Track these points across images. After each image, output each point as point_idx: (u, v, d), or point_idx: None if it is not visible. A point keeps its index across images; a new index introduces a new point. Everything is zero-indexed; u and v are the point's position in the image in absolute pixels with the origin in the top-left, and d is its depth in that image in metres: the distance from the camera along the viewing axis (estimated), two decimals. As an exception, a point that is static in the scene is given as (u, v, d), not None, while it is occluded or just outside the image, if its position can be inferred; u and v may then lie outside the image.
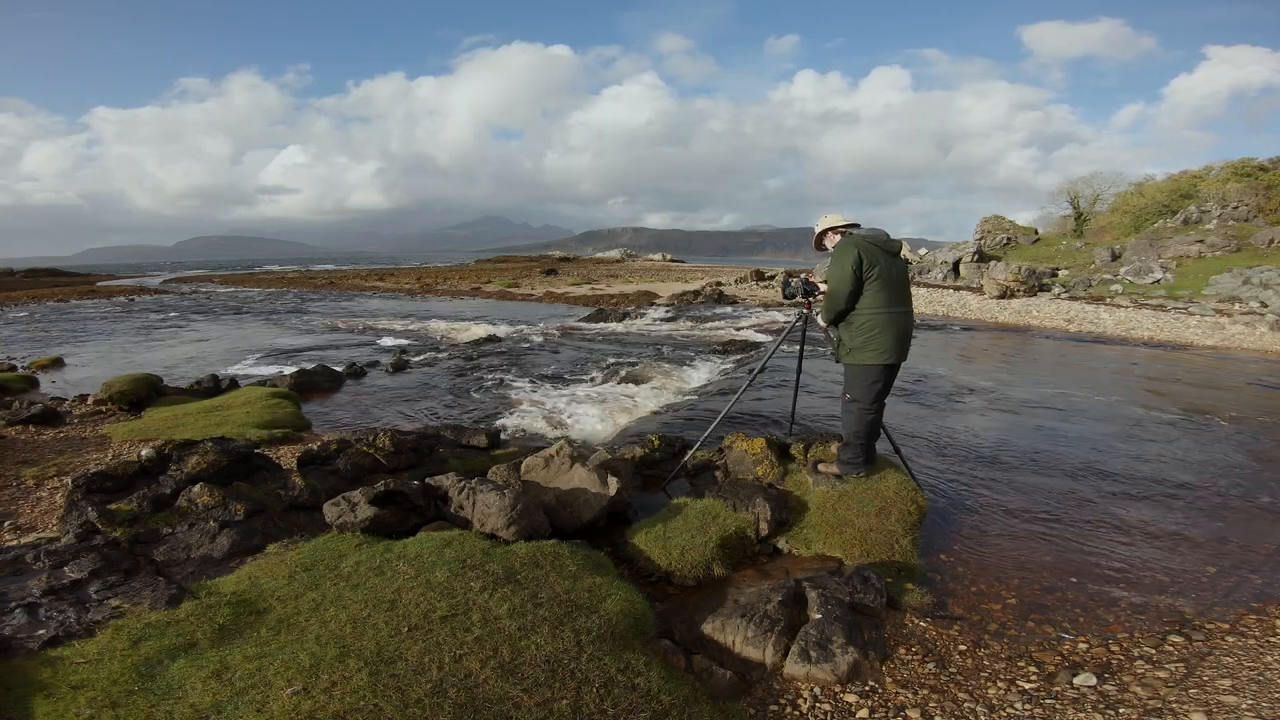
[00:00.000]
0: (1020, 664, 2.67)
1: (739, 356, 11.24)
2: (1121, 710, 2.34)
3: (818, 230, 4.14)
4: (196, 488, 3.58)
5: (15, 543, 3.31)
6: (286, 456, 4.96)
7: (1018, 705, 2.38)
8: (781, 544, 3.67)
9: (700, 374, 9.75)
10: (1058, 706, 2.37)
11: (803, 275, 4.76)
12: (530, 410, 7.26)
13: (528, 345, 12.50)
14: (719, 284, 28.98)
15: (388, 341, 13.44)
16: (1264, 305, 16.11)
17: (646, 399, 7.92)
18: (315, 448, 4.51)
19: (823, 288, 4.08)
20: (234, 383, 7.99)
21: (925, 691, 2.47)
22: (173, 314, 19.86)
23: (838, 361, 4.00)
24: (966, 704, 2.39)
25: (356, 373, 9.39)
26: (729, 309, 20.66)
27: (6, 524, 3.72)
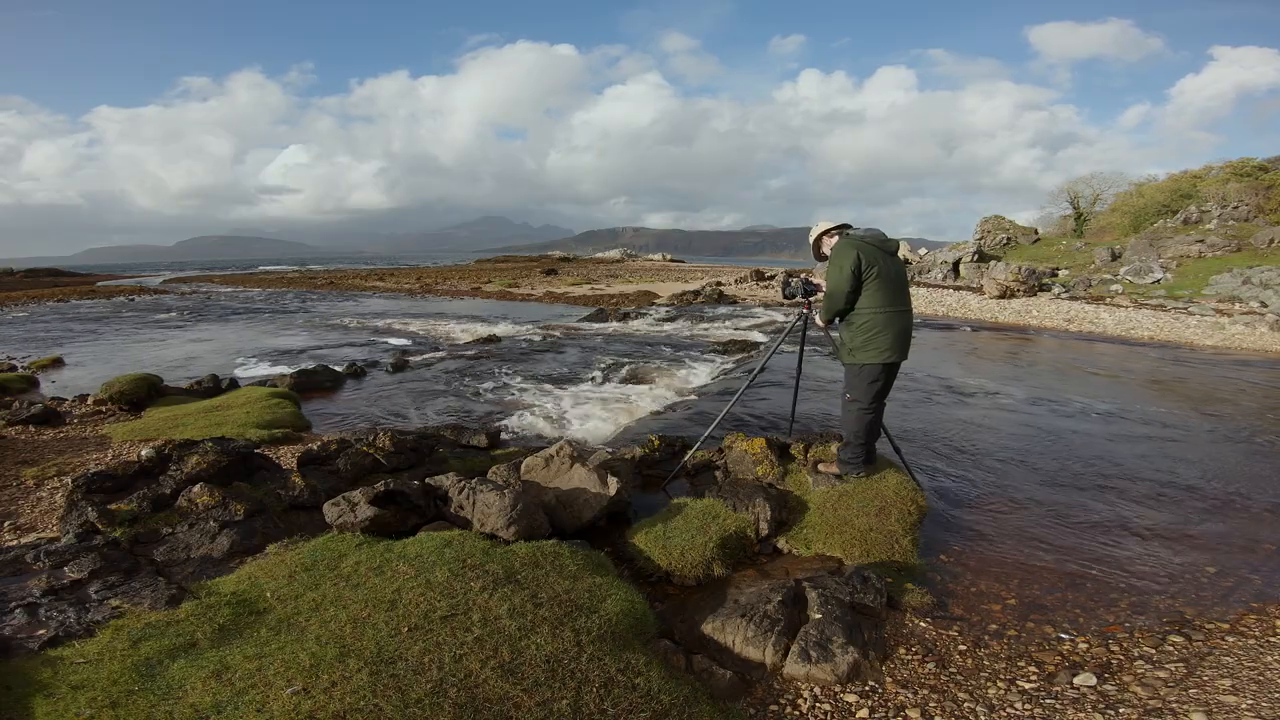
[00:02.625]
0: (1020, 664, 2.67)
1: (739, 356, 11.25)
2: (1121, 710, 2.34)
3: (812, 239, 4.16)
4: (196, 488, 3.58)
5: (15, 543, 3.31)
6: (286, 456, 4.96)
7: (1018, 705, 2.38)
8: (781, 544, 3.67)
9: (700, 374, 9.75)
10: (1058, 706, 2.37)
11: (803, 275, 4.76)
12: (530, 410, 7.26)
13: (528, 345, 12.50)
14: (719, 284, 28.97)
15: (388, 341, 13.43)
16: (1264, 305, 16.11)
17: (646, 399, 7.92)
18: (315, 448, 4.51)
19: (822, 284, 4.08)
20: (234, 383, 7.99)
21: (925, 691, 2.47)
22: (172, 314, 19.86)
23: (841, 360, 4.00)
24: (966, 704, 2.39)
25: (356, 373, 9.39)
26: (729, 309, 20.65)
27: (6, 524, 3.72)
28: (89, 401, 6.74)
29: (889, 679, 2.54)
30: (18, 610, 2.49)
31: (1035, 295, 20.54)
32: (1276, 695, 2.39)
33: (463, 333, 14.69)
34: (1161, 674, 2.58)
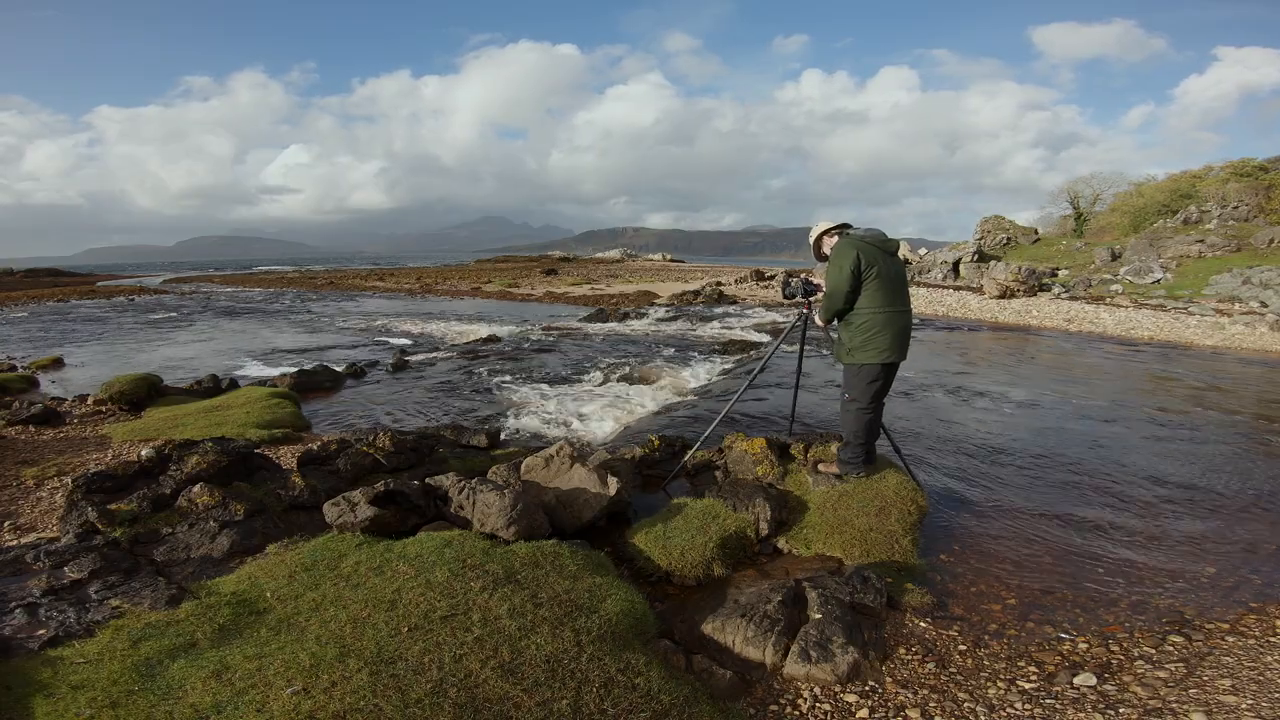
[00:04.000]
0: (1020, 664, 2.67)
1: (739, 356, 11.25)
2: (1121, 710, 2.34)
3: (812, 239, 4.15)
4: (196, 488, 3.58)
5: (15, 543, 3.31)
6: (286, 456, 4.96)
7: (1018, 705, 2.38)
8: (781, 544, 3.67)
9: (700, 374, 9.75)
10: (1058, 706, 2.37)
11: (803, 275, 4.76)
12: (530, 410, 7.26)
13: (528, 345, 12.50)
14: (719, 284, 28.97)
15: (388, 341, 13.44)
16: (1264, 305, 16.11)
17: (646, 399, 7.92)
18: (315, 448, 4.51)
19: (822, 284, 4.08)
20: (234, 383, 8.00)
21: (925, 691, 2.47)
22: (172, 314, 19.86)
23: (839, 360, 4.00)
24: (966, 704, 2.39)
25: (356, 373, 9.39)
26: (729, 309, 20.65)
27: (6, 524, 3.72)
28: (89, 401, 6.73)
29: (889, 679, 2.54)
30: (18, 610, 2.48)
31: (1035, 295, 20.54)
32: (1276, 695, 2.39)
33: (463, 333, 14.70)
34: (1161, 674, 2.58)
